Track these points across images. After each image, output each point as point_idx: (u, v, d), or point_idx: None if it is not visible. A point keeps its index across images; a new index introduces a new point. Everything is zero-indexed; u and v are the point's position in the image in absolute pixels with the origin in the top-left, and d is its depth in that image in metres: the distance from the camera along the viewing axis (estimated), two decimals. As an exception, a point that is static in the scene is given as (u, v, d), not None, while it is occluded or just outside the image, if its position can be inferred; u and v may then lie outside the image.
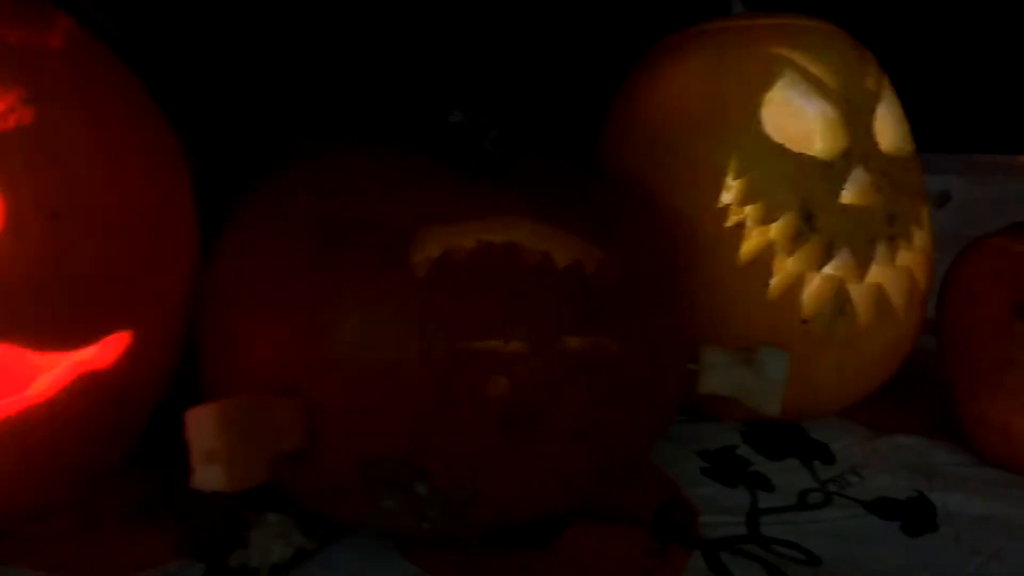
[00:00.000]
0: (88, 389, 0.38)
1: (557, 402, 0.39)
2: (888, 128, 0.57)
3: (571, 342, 0.39)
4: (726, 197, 0.54)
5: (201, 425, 0.35)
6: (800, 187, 0.54)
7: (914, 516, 0.52)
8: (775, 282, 0.54)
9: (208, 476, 0.35)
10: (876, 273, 0.56)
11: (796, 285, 0.54)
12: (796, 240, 0.54)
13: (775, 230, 0.54)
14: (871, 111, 0.56)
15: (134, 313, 0.40)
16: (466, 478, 0.39)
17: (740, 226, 0.54)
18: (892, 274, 0.56)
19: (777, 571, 0.45)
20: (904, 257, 0.57)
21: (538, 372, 0.39)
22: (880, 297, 0.56)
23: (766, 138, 0.54)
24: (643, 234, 0.46)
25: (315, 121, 0.51)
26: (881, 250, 0.56)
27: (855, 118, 0.55)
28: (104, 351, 0.39)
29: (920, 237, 0.58)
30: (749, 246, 0.54)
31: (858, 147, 0.55)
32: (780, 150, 0.54)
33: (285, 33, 0.57)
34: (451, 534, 0.43)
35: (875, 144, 0.56)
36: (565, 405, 0.39)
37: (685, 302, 0.48)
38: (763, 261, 0.54)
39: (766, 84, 0.55)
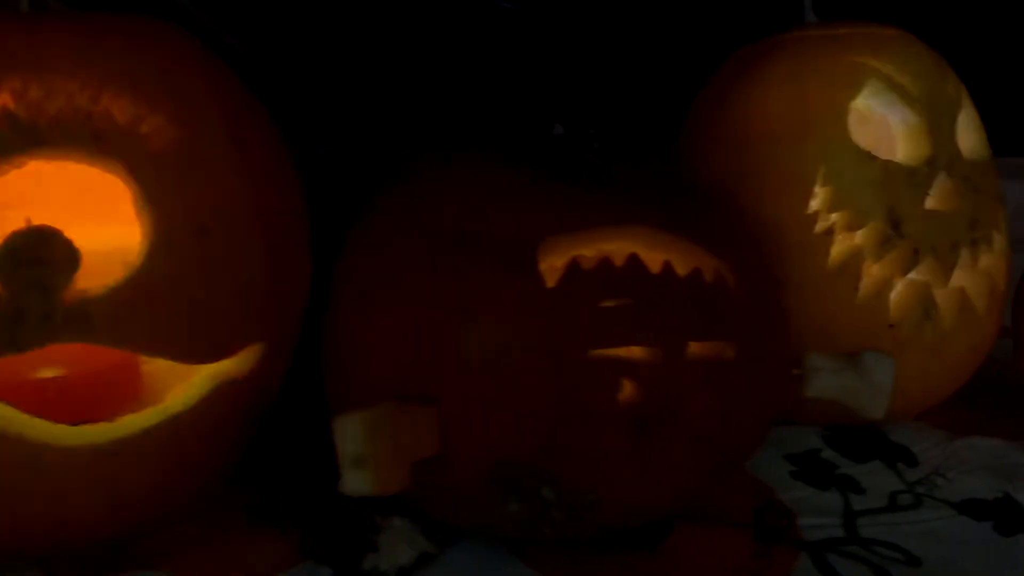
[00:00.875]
0: (226, 398, 0.40)
1: (684, 406, 0.40)
2: (968, 134, 0.58)
3: (695, 348, 0.40)
4: (814, 204, 0.55)
5: (349, 432, 0.36)
6: (887, 193, 0.55)
7: (1004, 516, 0.53)
8: (862, 287, 0.55)
9: (356, 481, 0.36)
10: (959, 277, 0.57)
11: (883, 290, 0.55)
12: (883, 246, 0.55)
13: (862, 236, 0.54)
14: (953, 117, 0.57)
15: (266, 325, 0.41)
16: (594, 482, 0.40)
17: (828, 232, 0.55)
18: (975, 278, 0.57)
19: (883, 572, 0.46)
20: (985, 261, 0.58)
21: (666, 377, 0.40)
22: (963, 301, 0.57)
23: (853, 145, 0.55)
24: (747, 242, 0.47)
25: (417, 136, 0.52)
26: (964, 254, 0.56)
27: (938, 124, 0.56)
28: (242, 362, 0.40)
29: (999, 241, 0.59)
30: (837, 252, 0.55)
31: (941, 153, 0.56)
32: (867, 157, 0.55)
33: (388, 51, 0.58)
34: (569, 537, 0.44)
35: (957, 150, 0.57)
36: (690, 409, 0.40)
37: (786, 310, 0.48)
38: (851, 267, 0.55)
39: (852, 92, 0.55)
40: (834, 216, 0.55)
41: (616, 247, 0.41)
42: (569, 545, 0.46)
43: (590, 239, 0.41)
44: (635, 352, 0.40)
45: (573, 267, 0.39)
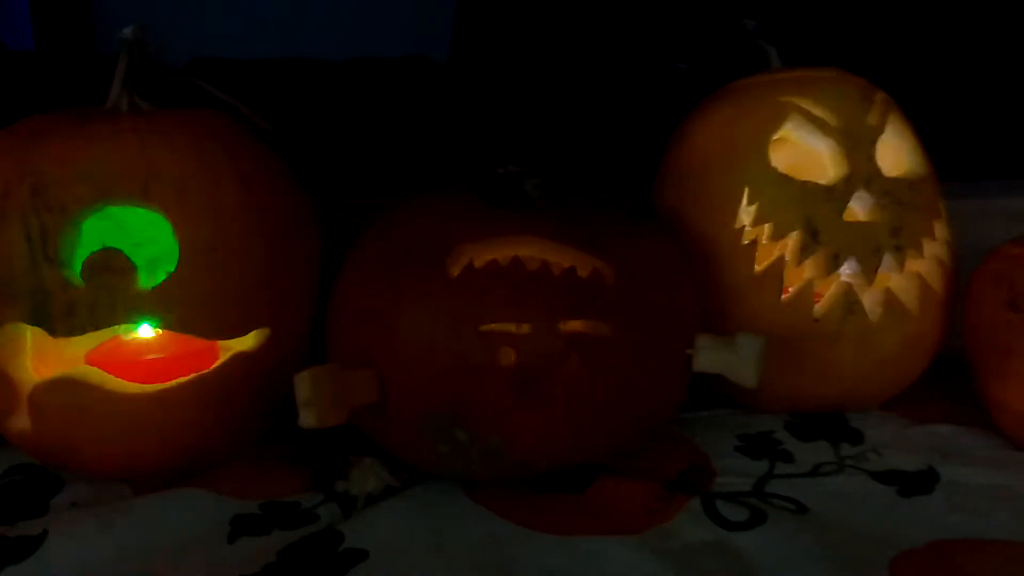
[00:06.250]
0: (240, 366, 0.57)
1: (555, 370, 0.53)
2: (891, 155, 0.67)
3: (568, 325, 0.54)
4: (742, 219, 0.66)
5: (301, 383, 0.52)
6: (805, 208, 0.64)
7: (914, 483, 0.60)
8: (787, 288, 0.65)
9: (305, 416, 0.52)
10: (884, 278, 0.65)
11: (806, 289, 0.65)
12: (804, 252, 0.64)
13: (784, 245, 0.65)
14: (872, 142, 0.66)
15: (271, 315, 0.58)
16: (491, 428, 0.54)
17: (755, 243, 0.65)
18: (901, 279, 0.65)
19: (760, 513, 0.56)
20: (914, 264, 0.66)
21: (539, 346, 0.53)
22: (890, 299, 0.65)
23: (774, 170, 0.65)
24: (645, 249, 0.59)
25: (410, 183, 0.69)
26: (887, 258, 0.65)
27: (856, 149, 0.66)
28: (251, 340, 0.58)
29: (931, 247, 0.67)
30: (763, 259, 0.65)
31: (859, 173, 0.65)
32: (786, 179, 0.65)
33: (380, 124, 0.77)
34: (497, 477, 0.58)
35: (877, 169, 0.66)
36: (562, 373, 0.53)
37: (689, 303, 0.60)
38: (776, 271, 0.65)
39: (774, 126, 0.66)
40: (760, 228, 0.65)
41: (510, 252, 0.55)
42: (513, 487, 0.59)
43: (493, 246, 0.55)
44: (520, 328, 0.53)
45: (469, 265, 0.54)
